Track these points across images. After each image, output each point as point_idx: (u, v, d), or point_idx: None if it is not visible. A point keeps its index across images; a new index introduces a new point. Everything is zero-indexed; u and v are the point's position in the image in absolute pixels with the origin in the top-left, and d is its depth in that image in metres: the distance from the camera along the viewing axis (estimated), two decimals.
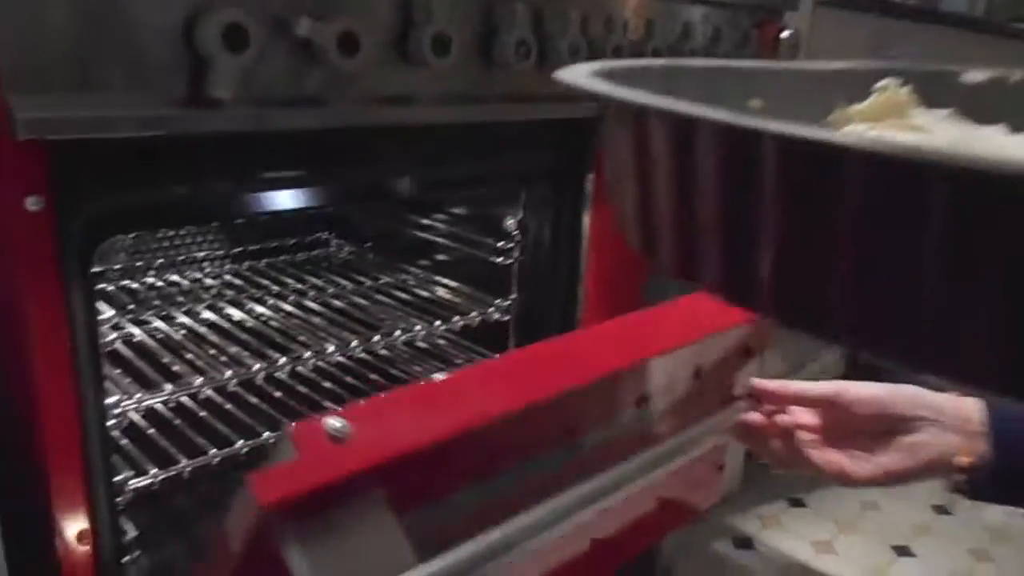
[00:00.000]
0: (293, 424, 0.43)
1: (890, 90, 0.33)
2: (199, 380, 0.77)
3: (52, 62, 0.53)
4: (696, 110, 0.22)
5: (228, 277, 1.11)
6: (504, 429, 0.53)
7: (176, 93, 0.58)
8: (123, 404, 0.69)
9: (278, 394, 0.89)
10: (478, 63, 0.77)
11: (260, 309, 1.00)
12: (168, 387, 0.74)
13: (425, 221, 1.12)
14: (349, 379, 0.98)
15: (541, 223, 0.97)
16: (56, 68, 0.53)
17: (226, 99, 0.59)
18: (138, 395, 0.71)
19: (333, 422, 0.43)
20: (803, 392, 0.62)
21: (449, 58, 0.71)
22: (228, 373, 0.79)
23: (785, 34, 1.09)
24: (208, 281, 1.09)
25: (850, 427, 0.60)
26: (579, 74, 0.29)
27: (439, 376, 0.98)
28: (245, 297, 1.03)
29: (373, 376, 0.99)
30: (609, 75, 0.29)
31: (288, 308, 1.01)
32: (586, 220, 0.96)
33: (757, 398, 0.64)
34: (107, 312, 0.69)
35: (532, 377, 0.57)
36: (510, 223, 0.99)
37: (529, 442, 0.59)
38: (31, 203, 0.55)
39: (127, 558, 0.73)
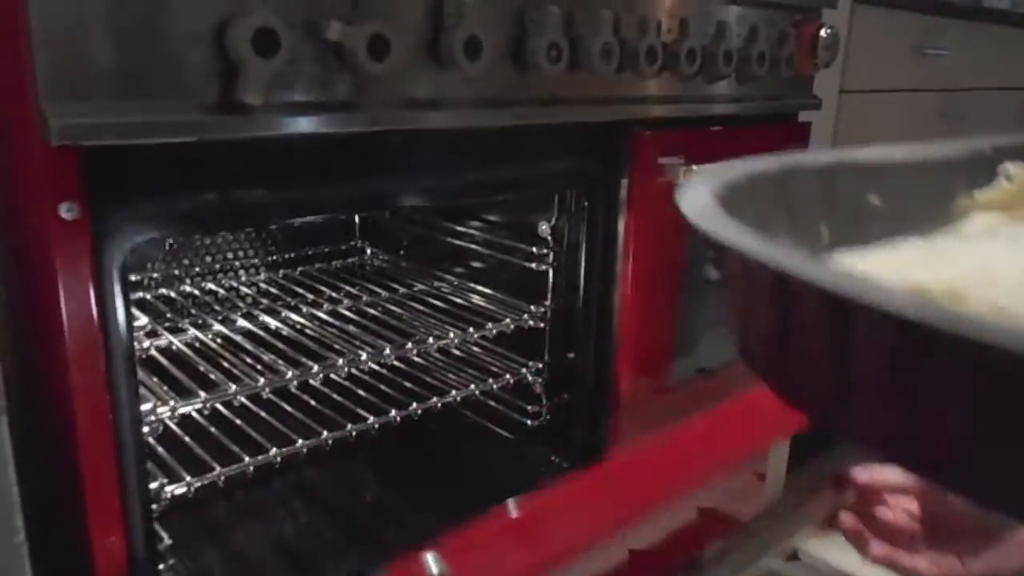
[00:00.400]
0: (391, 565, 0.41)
1: (1018, 178, 0.32)
2: (233, 388, 0.77)
3: (87, 69, 0.53)
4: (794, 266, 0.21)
5: (263, 285, 1.12)
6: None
7: (209, 99, 0.58)
8: (158, 411, 0.69)
9: (312, 402, 0.89)
10: (510, 66, 0.76)
11: (295, 317, 1.00)
12: (202, 394, 0.74)
13: (459, 228, 1.11)
14: (383, 387, 0.97)
15: (575, 228, 0.96)
16: (91, 75, 0.53)
17: (257, 104, 0.59)
18: (172, 402, 0.71)
19: (432, 563, 0.41)
20: (898, 483, 0.58)
21: (481, 61, 0.70)
22: (262, 381, 0.78)
23: (824, 33, 1.06)
24: (243, 289, 1.10)
25: (954, 520, 0.56)
26: (698, 200, 0.27)
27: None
28: (280, 305, 1.03)
29: (408, 384, 0.98)
30: (729, 193, 0.28)
31: (322, 316, 1.01)
32: (621, 225, 0.94)
33: (849, 485, 0.61)
34: (142, 319, 0.69)
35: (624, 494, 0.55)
36: (544, 228, 0.98)
37: None
38: (64, 210, 0.55)
39: (162, 566, 0.73)
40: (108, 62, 0.53)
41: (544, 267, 0.99)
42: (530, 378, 1.03)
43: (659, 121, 0.94)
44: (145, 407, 0.68)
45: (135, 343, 0.63)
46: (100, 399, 0.59)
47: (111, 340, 0.59)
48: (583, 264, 0.96)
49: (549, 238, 0.98)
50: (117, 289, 0.59)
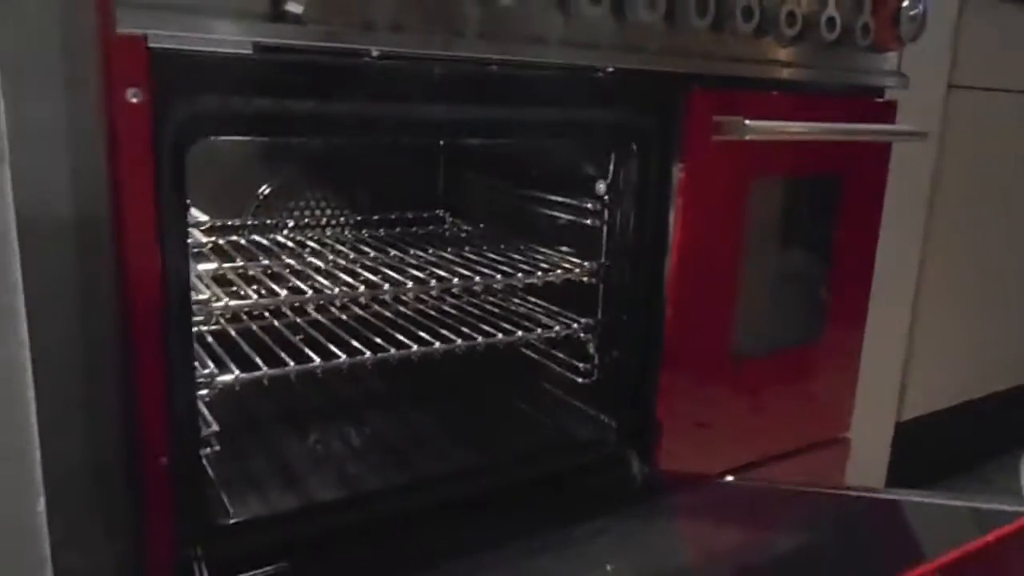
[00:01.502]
0: None
1: None
2: (283, 294, 0.84)
3: None
4: None
5: (347, 241, 1.20)
6: None
7: (260, 8, 0.66)
8: (212, 304, 0.77)
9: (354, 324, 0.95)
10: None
11: (365, 261, 1.07)
12: (254, 297, 0.82)
13: (530, 193, 1.15)
14: (432, 324, 1.03)
15: (630, 186, 0.98)
16: None
17: (298, 13, 0.66)
18: (226, 300, 0.79)
19: None
20: None
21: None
22: (309, 293, 0.85)
23: (906, 3, 1.04)
24: (328, 243, 1.18)
25: None
26: None
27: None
28: (356, 252, 1.11)
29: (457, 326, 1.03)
30: None
31: (390, 262, 1.08)
32: (675, 182, 0.95)
33: None
34: (201, 217, 0.78)
35: None
36: (601, 187, 1.00)
37: None
38: (131, 95, 0.64)
39: (207, 450, 0.80)
40: None
41: (599, 223, 1.01)
42: (582, 335, 1.04)
43: (717, 80, 0.95)
44: (199, 297, 0.76)
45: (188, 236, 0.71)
46: (152, 267, 0.67)
47: (165, 219, 0.67)
48: (633, 222, 0.97)
49: (605, 196, 1.00)
50: (174, 176, 0.67)
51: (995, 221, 1.59)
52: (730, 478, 0.89)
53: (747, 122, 0.91)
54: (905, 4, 1.03)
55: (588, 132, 0.93)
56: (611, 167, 0.99)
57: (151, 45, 0.64)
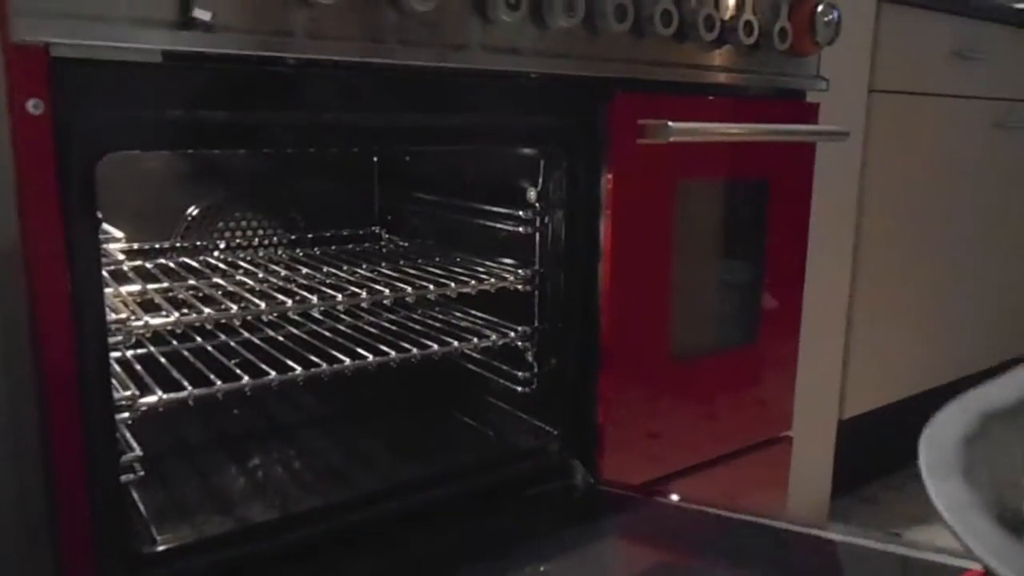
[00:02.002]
0: None
1: None
2: (206, 311, 0.82)
3: None
4: None
5: (281, 260, 1.18)
6: None
7: (167, 15, 0.65)
8: (130, 323, 0.74)
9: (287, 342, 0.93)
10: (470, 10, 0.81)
11: (299, 280, 1.06)
12: (175, 314, 0.80)
13: (465, 204, 1.15)
14: (364, 338, 1.01)
15: (558, 192, 0.98)
16: None
17: (206, 20, 0.65)
18: (146, 319, 0.76)
19: None
20: None
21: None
22: (235, 309, 0.83)
23: (820, 8, 1.06)
24: (262, 263, 1.16)
25: None
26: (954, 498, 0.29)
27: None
28: (285, 269, 1.09)
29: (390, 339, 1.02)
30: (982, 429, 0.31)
31: (321, 278, 1.06)
32: (602, 188, 0.96)
33: None
34: (115, 233, 0.75)
35: None
36: (532, 194, 1.00)
37: None
38: (32, 106, 0.62)
39: (130, 477, 0.77)
40: None
41: (531, 231, 1.01)
42: (520, 344, 1.04)
43: (640, 84, 0.96)
44: (115, 316, 0.73)
45: (102, 252, 0.69)
46: (60, 285, 0.64)
47: (73, 235, 0.65)
48: (565, 228, 0.97)
49: (537, 204, 1.00)
50: (82, 190, 0.65)
51: (922, 221, 1.64)
52: (675, 496, 0.89)
53: (670, 124, 0.92)
54: (820, 9, 1.06)
55: (514, 139, 0.93)
56: (540, 175, 0.99)
57: (53, 54, 0.62)
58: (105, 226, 0.72)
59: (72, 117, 0.64)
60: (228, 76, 0.71)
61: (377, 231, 1.32)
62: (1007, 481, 0.33)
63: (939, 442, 0.32)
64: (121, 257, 0.71)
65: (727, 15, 0.99)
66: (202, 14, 0.64)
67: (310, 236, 1.25)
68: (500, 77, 0.86)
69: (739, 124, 1.01)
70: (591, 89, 0.93)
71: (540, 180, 0.99)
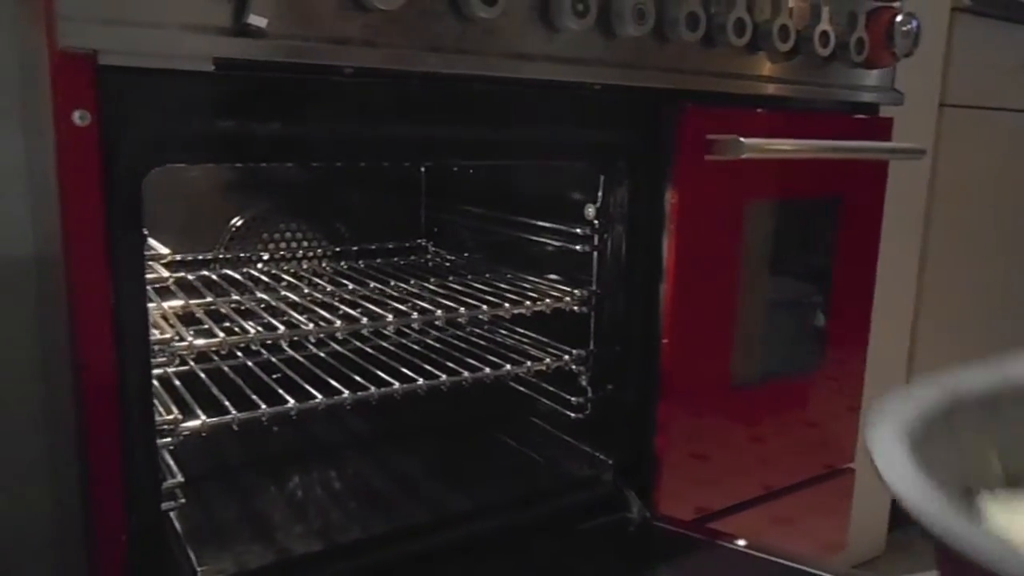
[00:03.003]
0: None
1: None
2: (252, 332, 0.78)
3: None
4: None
5: (324, 273, 1.15)
6: None
7: (220, 21, 0.61)
8: (174, 344, 0.71)
9: (332, 361, 0.89)
10: (537, 20, 0.76)
11: (344, 295, 1.02)
12: (220, 335, 0.76)
13: (516, 219, 1.10)
14: (413, 359, 0.97)
15: (620, 209, 0.93)
16: None
17: (262, 27, 0.61)
18: (190, 338, 0.73)
19: None
20: None
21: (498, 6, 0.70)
22: (281, 329, 0.79)
23: (900, 18, 1.00)
24: (304, 276, 1.13)
25: None
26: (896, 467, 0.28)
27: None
28: (329, 283, 1.05)
29: (441, 361, 0.97)
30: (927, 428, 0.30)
31: (370, 296, 1.02)
32: (667, 205, 0.91)
33: None
34: (161, 249, 0.72)
35: None
36: (590, 211, 0.95)
37: None
38: (78, 117, 0.58)
39: (172, 503, 0.73)
40: None
41: (589, 249, 0.96)
42: (574, 367, 0.99)
43: (709, 97, 0.90)
44: (159, 336, 0.70)
45: (146, 268, 0.66)
46: (104, 300, 0.61)
47: (117, 250, 0.61)
48: (625, 247, 0.92)
49: (595, 221, 0.95)
50: (128, 206, 0.62)
51: (989, 240, 1.56)
52: (742, 542, 0.83)
53: (743, 140, 0.86)
54: (899, 19, 1.00)
55: (575, 152, 0.88)
56: (600, 190, 0.94)
57: (101, 62, 0.58)
58: (150, 241, 0.68)
59: (119, 129, 0.60)
60: (280, 86, 0.67)
61: (423, 244, 1.28)
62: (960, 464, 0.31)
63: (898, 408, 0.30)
64: (166, 274, 0.68)
65: (802, 25, 0.93)
66: (258, 20, 0.60)
67: (355, 249, 1.21)
68: (563, 88, 0.82)
69: (813, 140, 0.95)
70: (657, 101, 0.88)
71: (599, 196, 0.94)
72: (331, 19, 0.66)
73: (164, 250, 0.68)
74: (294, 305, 0.98)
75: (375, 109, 0.73)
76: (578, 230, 0.96)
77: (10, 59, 0.94)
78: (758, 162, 0.94)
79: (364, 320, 0.83)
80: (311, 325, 0.81)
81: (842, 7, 0.97)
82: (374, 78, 0.71)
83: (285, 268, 1.14)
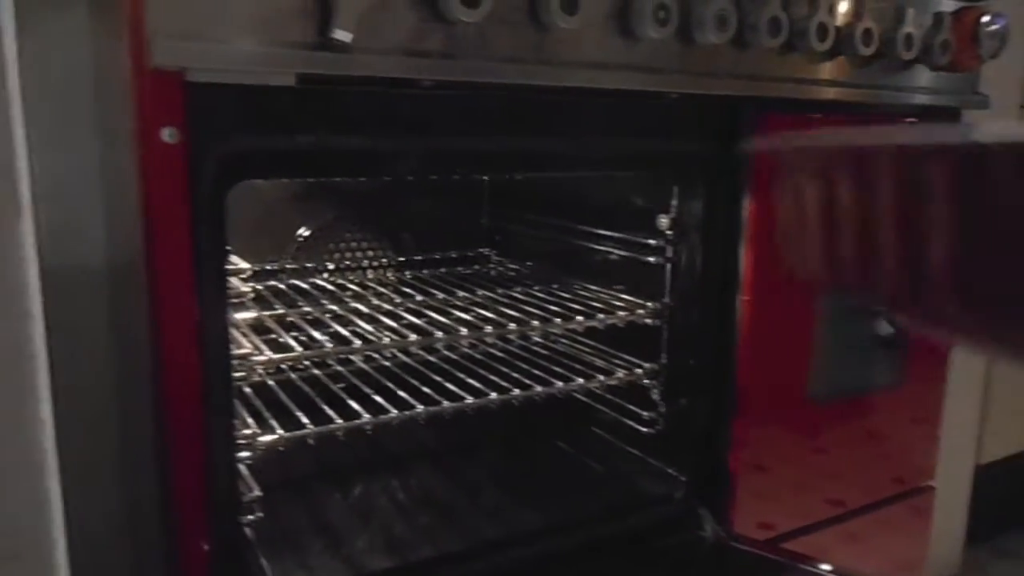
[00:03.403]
0: None
1: None
2: (329, 346, 0.78)
3: (191, 3, 0.57)
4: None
5: (389, 282, 1.15)
6: None
7: (304, 36, 0.61)
8: (253, 359, 0.71)
9: (413, 381, 0.88)
10: (615, 30, 0.75)
11: (410, 305, 1.01)
12: (299, 349, 0.76)
13: (583, 228, 1.09)
14: (484, 372, 0.96)
15: (695, 220, 0.91)
16: (195, 9, 0.57)
17: (346, 41, 0.60)
18: (269, 353, 0.73)
19: None
20: None
21: (577, 16, 0.69)
22: (357, 343, 0.79)
23: (986, 18, 0.96)
24: (370, 286, 1.13)
25: None
26: None
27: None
28: (398, 295, 1.05)
29: (513, 374, 0.96)
30: None
31: (435, 304, 1.02)
32: (744, 216, 0.88)
33: None
34: (241, 264, 0.72)
35: None
36: (663, 221, 0.93)
37: None
38: (167, 135, 0.58)
39: (250, 518, 0.73)
40: None
41: (661, 261, 0.94)
42: (646, 381, 0.97)
43: (788, 104, 0.88)
44: (239, 351, 0.70)
45: (228, 284, 0.66)
46: (188, 316, 0.61)
47: (201, 266, 0.61)
48: (700, 258, 0.90)
49: (669, 232, 0.93)
50: (213, 222, 0.62)
51: None
52: (826, 567, 0.80)
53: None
54: (985, 19, 0.96)
55: (650, 163, 0.86)
56: (674, 200, 0.92)
57: (188, 79, 0.58)
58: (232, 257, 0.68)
59: (204, 145, 0.60)
60: (360, 100, 0.67)
61: (486, 253, 1.27)
62: None
63: None
64: (246, 289, 0.68)
65: (884, 28, 0.90)
66: (343, 35, 0.60)
67: (418, 258, 1.21)
68: (640, 98, 0.80)
69: None
70: (735, 109, 0.85)
71: (674, 206, 0.92)
72: (412, 32, 0.65)
73: (244, 264, 0.68)
74: (360, 314, 0.98)
75: (453, 122, 0.72)
76: (651, 241, 0.94)
77: (84, 70, 0.95)
78: None
79: (439, 334, 0.83)
80: (386, 339, 0.80)
81: (926, 7, 0.93)
82: (453, 90, 0.70)
83: (350, 278, 1.14)
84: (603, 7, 0.72)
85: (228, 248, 0.64)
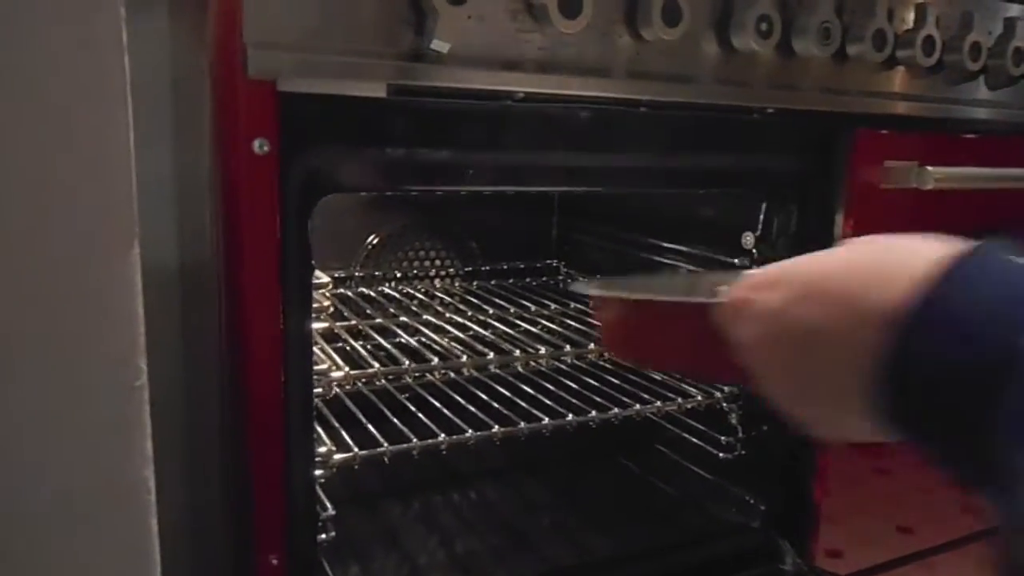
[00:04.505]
0: None
1: None
2: (407, 363, 0.76)
3: (287, 15, 0.55)
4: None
5: (456, 292, 1.13)
6: None
7: (400, 47, 0.59)
8: (332, 374, 0.69)
9: (483, 395, 0.86)
10: (714, 42, 0.71)
11: (481, 317, 0.99)
12: (376, 366, 0.74)
13: (656, 243, 1.06)
14: (560, 392, 0.93)
15: (783, 239, 0.87)
16: (290, 21, 0.55)
17: (443, 52, 0.58)
18: (347, 369, 0.71)
19: None
20: None
21: (680, 27, 0.66)
22: (435, 361, 0.77)
23: None
24: (437, 295, 1.11)
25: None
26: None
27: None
28: (468, 307, 1.03)
29: (587, 395, 0.93)
30: None
31: (508, 319, 0.99)
32: (836, 236, 0.84)
33: None
34: (323, 278, 0.70)
35: None
36: (748, 239, 0.90)
37: None
38: (258, 146, 0.57)
39: (323, 537, 0.71)
40: (307, 8, 0.56)
41: None
42: (724, 405, 0.93)
43: (885, 120, 0.84)
44: (318, 367, 0.68)
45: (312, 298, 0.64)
46: (273, 322, 0.59)
47: (287, 278, 0.60)
48: None
49: (753, 250, 0.89)
50: (298, 231, 0.60)
51: None
52: None
53: (929, 169, 0.79)
54: None
55: (742, 179, 0.82)
56: (761, 217, 0.88)
57: (280, 89, 0.57)
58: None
59: (294, 156, 0.59)
60: (450, 111, 0.65)
61: (555, 264, 1.25)
62: None
63: None
64: (327, 303, 0.66)
65: (992, 42, 0.85)
66: (440, 46, 0.58)
67: (486, 268, 1.19)
68: (732, 112, 0.76)
69: (1007, 169, 0.87)
70: (831, 125, 0.81)
71: (760, 224, 0.88)
72: (507, 42, 0.63)
73: (325, 278, 0.66)
74: (429, 324, 0.96)
75: (542, 135, 0.69)
76: (735, 260, 0.91)
77: (163, 72, 0.95)
78: (936, 191, 0.87)
79: (517, 353, 0.80)
80: (465, 358, 0.78)
81: None
82: (543, 103, 0.67)
83: (418, 287, 1.13)
84: (703, 18, 0.69)
85: (313, 264, 0.63)
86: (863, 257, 0.34)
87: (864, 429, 0.32)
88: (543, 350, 0.83)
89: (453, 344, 0.89)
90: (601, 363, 1.01)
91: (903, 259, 0.32)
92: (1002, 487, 0.27)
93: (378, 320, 0.91)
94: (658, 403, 0.90)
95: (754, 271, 0.40)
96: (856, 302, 0.30)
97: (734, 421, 0.94)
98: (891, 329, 0.28)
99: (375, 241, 1.11)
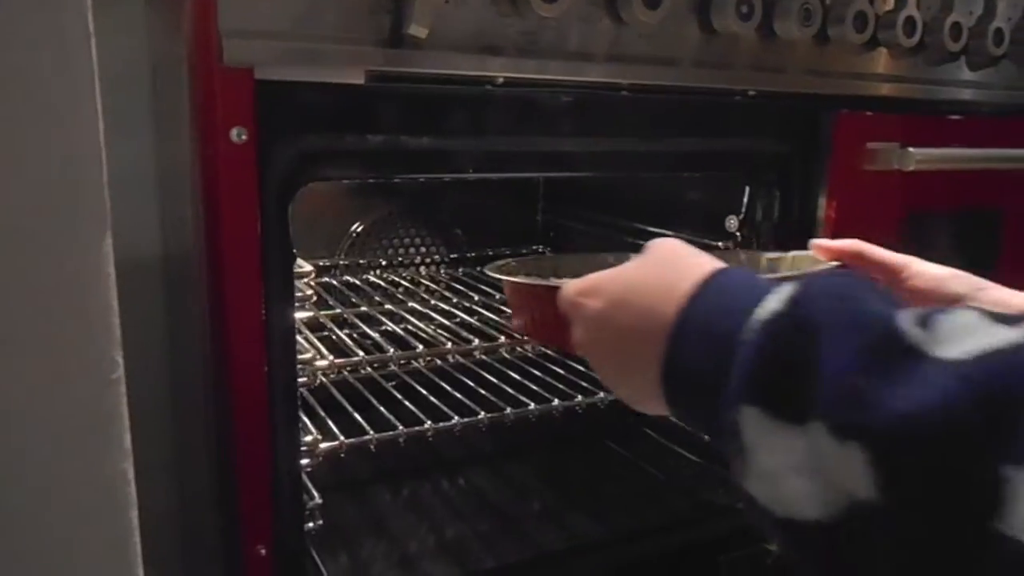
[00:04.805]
0: None
1: None
2: (392, 351, 0.76)
3: (265, 3, 0.55)
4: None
5: (441, 279, 1.13)
6: None
7: (377, 34, 0.58)
8: (316, 363, 0.69)
9: (469, 382, 0.86)
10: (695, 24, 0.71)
11: (465, 303, 0.99)
12: (361, 354, 0.74)
13: (641, 227, 1.06)
14: (548, 379, 0.93)
15: (766, 223, 0.87)
16: (265, 8, 0.55)
17: (421, 37, 0.58)
18: (331, 357, 0.71)
19: None
20: (869, 254, 0.60)
21: (659, 11, 0.66)
22: (420, 348, 0.77)
23: None
24: (423, 282, 1.11)
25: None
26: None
27: None
28: (452, 294, 1.03)
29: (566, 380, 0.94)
30: None
31: (493, 305, 0.99)
32: (819, 218, 0.84)
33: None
34: (306, 267, 0.70)
35: None
36: (731, 223, 0.90)
37: None
38: (236, 135, 0.57)
39: (310, 525, 0.72)
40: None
41: None
42: None
43: (866, 102, 0.84)
44: (302, 356, 0.68)
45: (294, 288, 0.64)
46: (254, 310, 0.59)
47: (269, 266, 0.59)
48: None
49: (737, 233, 0.89)
50: (280, 225, 0.60)
51: None
52: None
53: (911, 150, 0.79)
54: None
55: (726, 163, 0.82)
56: (744, 200, 0.88)
57: (258, 77, 0.56)
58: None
59: (273, 144, 0.58)
60: (430, 97, 0.64)
61: (540, 250, 1.25)
62: None
63: None
64: (309, 292, 0.66)
65: (972, 22, 0.85)
66: (418, 31, 0.57)
67: (471, 255, 1.19)
68: (713, 95, 0.76)
69: (988, 150, 0.87)
70: (813, 108, 0.82)
71: (743, 207, 0.88)
72: (487, 26, 0.62)
73: (308, 267, 0.66)
74: (414, 311, 0.96)
75: (524, 120, 0.69)
76: (719, 244, 0.91)
77: (140, 62, 0.94)
78: (918, 172, 0.87)
79: (502, 339, 0.80)
80: (449, 344, 0.78)
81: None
82: (524, 87, 0.67)
83: (403, 274, 1.13)
84: (684, 0, 0.69)
85: (295, 252, 0.62)
86: (653, 273, 0.41)
87: (664, 409, 0.40)
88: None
89: (439, 331, 0.89)
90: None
91: (678, 278, 0.39)
92: (734, 469, 0.35)
93: (363, 308, 0.91)
94: None
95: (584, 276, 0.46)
96: (648, 314, 0.39)
97: None
98: (666, 340, 0.38)
99: (359, 229, 1.10)
